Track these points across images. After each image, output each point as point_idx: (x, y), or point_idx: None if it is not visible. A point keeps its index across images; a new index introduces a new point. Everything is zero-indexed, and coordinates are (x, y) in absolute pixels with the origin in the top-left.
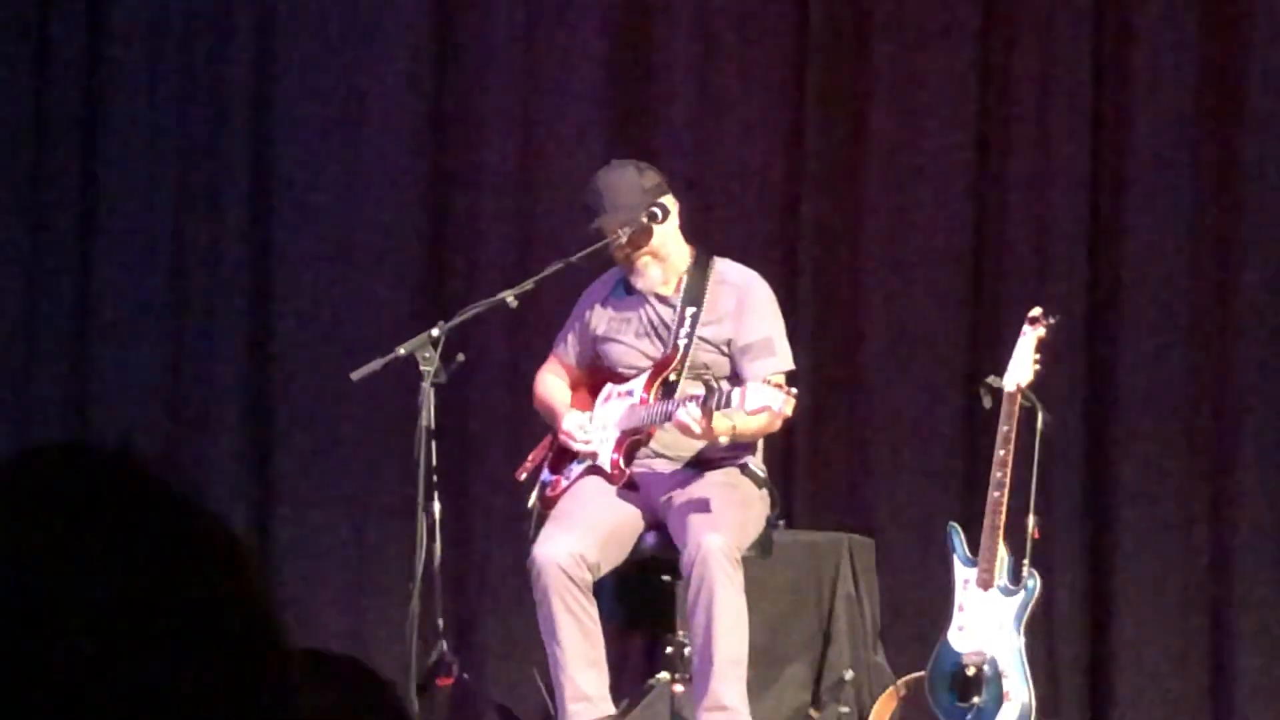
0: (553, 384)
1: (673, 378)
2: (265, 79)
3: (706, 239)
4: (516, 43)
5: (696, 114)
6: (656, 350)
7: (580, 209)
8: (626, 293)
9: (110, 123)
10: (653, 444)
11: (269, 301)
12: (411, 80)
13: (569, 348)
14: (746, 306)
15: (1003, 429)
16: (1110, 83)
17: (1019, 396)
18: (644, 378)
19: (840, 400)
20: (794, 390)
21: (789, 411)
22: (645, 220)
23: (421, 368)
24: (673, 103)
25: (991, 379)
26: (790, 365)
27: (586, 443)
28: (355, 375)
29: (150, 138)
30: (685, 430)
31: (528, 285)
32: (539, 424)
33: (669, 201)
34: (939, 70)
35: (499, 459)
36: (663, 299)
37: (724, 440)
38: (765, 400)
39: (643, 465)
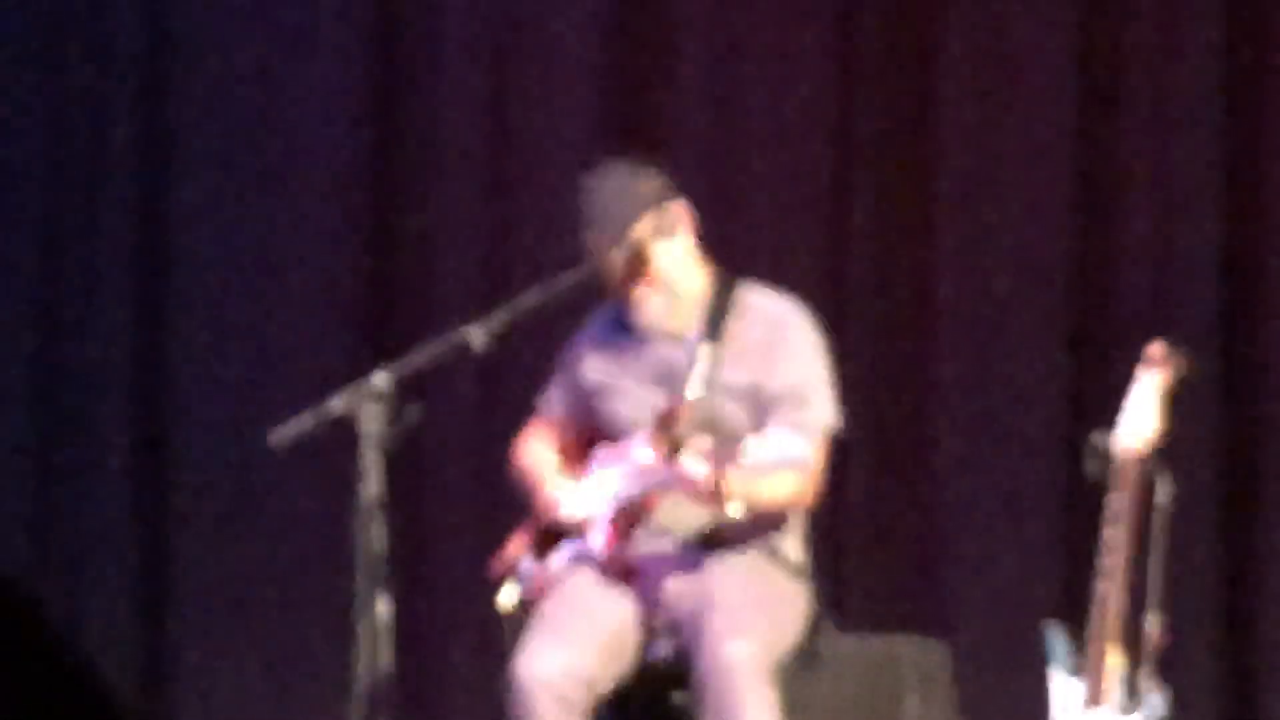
0: (536, 451)
1: (682, 434)
2: (158, 40)
3: (729, 259)
4: (485, 7)
5: (714, 94)
6: (666, 401)
7: (568, 220)
8: (622, 331)
9: None
10: (655, 519)
11: (157, 340)
12: (344, 44)
13: (556, 404)
14: (780, 345)
15: (1114, 501)
16: (1245, 57)
17: (1135, 459)
18: (646, 435)
19: (904, 465)
20: (825, 433)
21: (814, 460)
22: (642, 237)
23: (362, 428)
24: (685, 79)
25: (1099, 437)
26: (833, 421)
27: (573, 511)
28: (275, 439)
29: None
30: (689, 485)
31: (500, 319)
32: (519, 497)
33: (676, 211)
34: (1029, 35)
35: (467, 546)
36: (672, 336)
37: (734, 510)
38: (786, 450)
39: (644, 547)
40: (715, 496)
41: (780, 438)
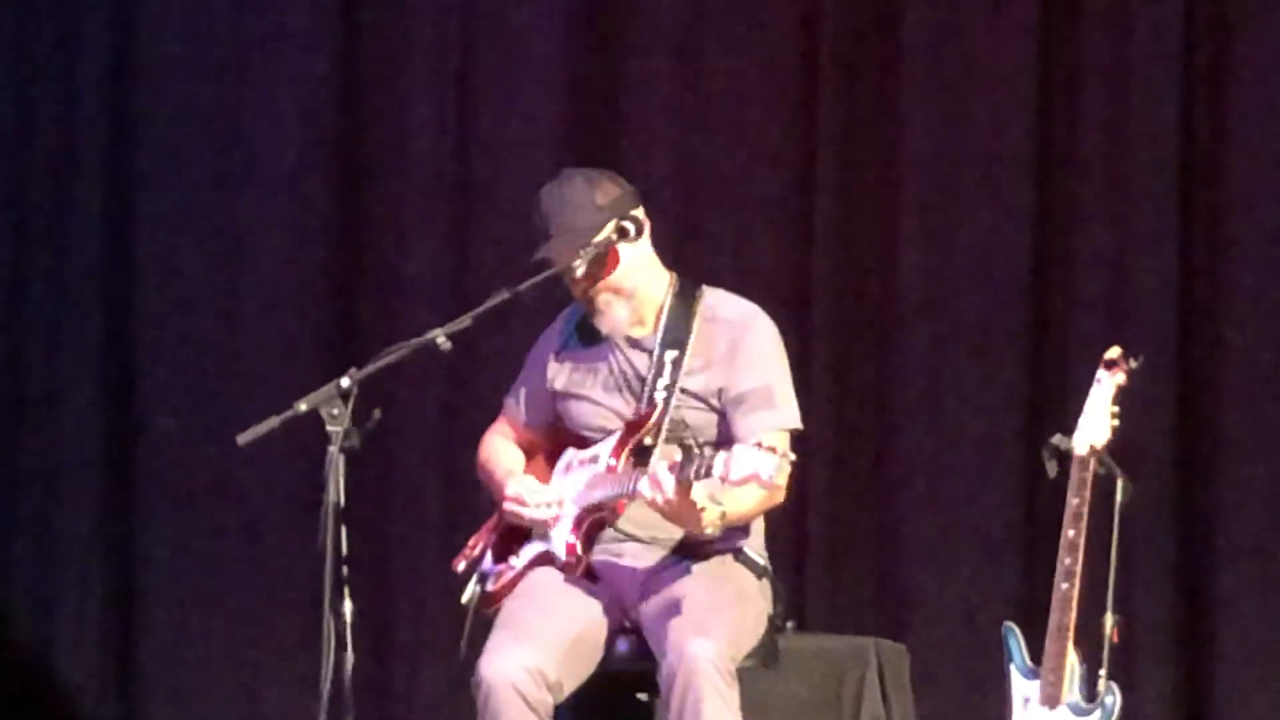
0: (501, 447)
1: (648, 441)
2: (121, 41)
3: (691, 264)
4: (451, 14)
5: (678, 103)
6: (631, 407)
7: (532, 225)
8: (586, 337)
9: None
10: (621, 523)
11: (124, 342)
12: (310, 45)
13: (520, 405)
14: (742, 349)
15: (1072, 503)
16: (1203, 68)
17: (1093, 461)
18: (612, 441)
19: (865, 469)
20: (789, 453)
21: (782, 481)
22: (601, 244)
23: (328, 428)
24: (648, 89)
25: (1058, 439)
26: (796, 423)
27: (539, 507)
28: (242, 439)
29: None
30: (656, 499)
31: (464, 322)
32: (483, 499)
33: (636, 218)
34: (989, 53)
35: (431, 545)
36: (635, 343)
37: (711, 531)
38: (752, 467)
39: (608, 551)
40: (676, 515)
41: (745, 456)
